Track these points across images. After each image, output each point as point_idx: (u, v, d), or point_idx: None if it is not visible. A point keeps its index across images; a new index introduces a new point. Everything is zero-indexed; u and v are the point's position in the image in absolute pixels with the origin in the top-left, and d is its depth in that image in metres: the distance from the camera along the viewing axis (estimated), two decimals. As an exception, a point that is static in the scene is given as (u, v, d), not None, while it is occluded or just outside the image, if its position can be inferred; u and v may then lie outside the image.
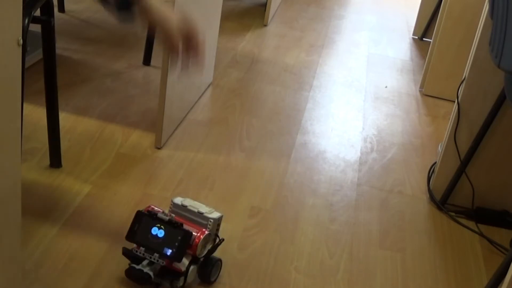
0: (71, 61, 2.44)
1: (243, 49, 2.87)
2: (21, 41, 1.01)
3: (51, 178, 1.73)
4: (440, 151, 1.95)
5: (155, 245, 1.36)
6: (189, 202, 1.46)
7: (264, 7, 3.44)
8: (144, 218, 1.39)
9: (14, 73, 1.01)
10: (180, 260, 1.35)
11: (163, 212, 1.42)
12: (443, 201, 1.90)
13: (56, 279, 1.40)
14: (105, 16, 2.94)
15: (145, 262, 1.38)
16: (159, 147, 1.96)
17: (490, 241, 1.78)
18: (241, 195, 1.81)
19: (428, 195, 1.95)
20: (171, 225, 1.37)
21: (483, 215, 1.87)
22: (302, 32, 3.22)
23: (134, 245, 1.39)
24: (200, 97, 2.34)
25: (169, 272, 1.37)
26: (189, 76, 1.24)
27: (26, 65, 2.30)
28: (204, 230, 1.39)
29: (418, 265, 1.64)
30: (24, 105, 2.06)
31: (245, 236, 1.64)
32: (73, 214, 1.61)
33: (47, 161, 1.79)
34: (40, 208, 1.61)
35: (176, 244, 1.35)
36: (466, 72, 1.80)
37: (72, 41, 2.62)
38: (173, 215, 1.45)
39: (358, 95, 2.59)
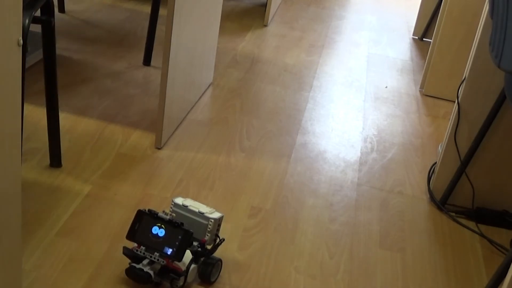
0: (71, 61, 2.44)
1: (243, 49, 2.87)
2: (21, 41, 1.01)
3: (51, 178, 1.73)
4: (440, 151, 1.95)
5: (155, 244, 1.36)
6: (190, 202, 1.47)
7: (264, 7, 3.44)
8: (145, 217, 1.39)
9: (14, 73, 1.01)
10: (180, 260, 1.35)
11: (163, 212, 1.42)
12: (443, 201, 1.90)
13: (56, 279, 1.40)
14: (105, 16, 2.94)
15: (145, 262, 1.38)
16: (159, 147, 1.96)
17: (490, 241, 1.78)
18: (241, 195, 1.81)
19: (428, 195, 1.95)
20: (171, 225, 1.37)
21: (483, 215, 1.87)
22: (302, 32, 3.22)
23: (135, 244, 1.39)
24: (200, 97, 2.34)
25: (169, 272, 1.37)
26: None
27: (27, 65, 2.30)
28: None
29: (418, 265, 1.64)
30: (25, 105, 2.06)
31: (245, 236, 1.64)
32: (73, 214, 1.61)
33: (47, 161, 1.79)
34: (40, 208, 1.61)
35: (177, 243, 1.35)
36: (466, 72, 1.80)
37: (72, 41, 2.62)
38: (174, 214, 1.45)
39: (358, 95, 2.59)
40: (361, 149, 2.17)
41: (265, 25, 3.21)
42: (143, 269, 1.36)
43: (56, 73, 1.68)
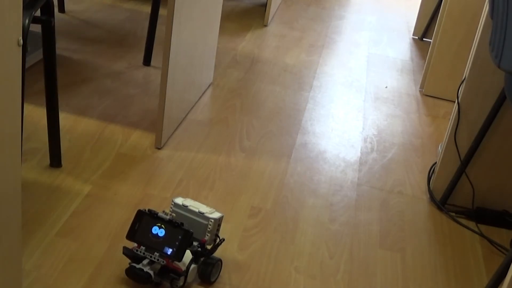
0: (71, 61, 2.44)
1: (243, 49, 2.87)
2: (21, 41, 1.01)
3: (51, 178, 1.73)
4: (440, 151, 1.95)
5: (155, 244, 1.36)
6: (190, 202, 1.47)
7: (264, 7, 3.44)
8: (145, 217, 1.39)
9: (14, 73, 1.01)
10: (180, 260, 1.35)
11: (163, 212, 1.42)
12: (443, 201, 1.90)
13: (56, 279, 1.40)
14: (105, 16, 2.94)
15: (145, 261, 1.38)
16: (159, 147, 1.96)
17: (490, 241, 1.78)
18: (241, 195, 1.81)
19: (428, 195, 1.95)
20: (171, 225, 1.37)
21: (483, 215, 1.87)
22: (302, 32, 3.22)
23: (135, 244, 1.39)
24: (200, 97, 2.34)
25: (169, 272, 1.37)
26: None
27: (27, 65, 2.30)
28: None
29: (418, 265, 1.64)
30: (25, 105, 2.06)
31: (245, 236, 1.64)
32: (73, 214, 1.61)
33: (47, 161, 1.79)
34: (40, 208, 1.61)
35: (177, 243, 1.35)
36: (466, 72, 1.80)
37: (72, 41, 2.62)
38: (174, 214, 1.45)
39: (358, 95, 2.59)
40: (361, 149, 2.17)
41: (265, 25, 3.21)
42: (143, 269, 1.36)
43: (56, 73, 1.68)
